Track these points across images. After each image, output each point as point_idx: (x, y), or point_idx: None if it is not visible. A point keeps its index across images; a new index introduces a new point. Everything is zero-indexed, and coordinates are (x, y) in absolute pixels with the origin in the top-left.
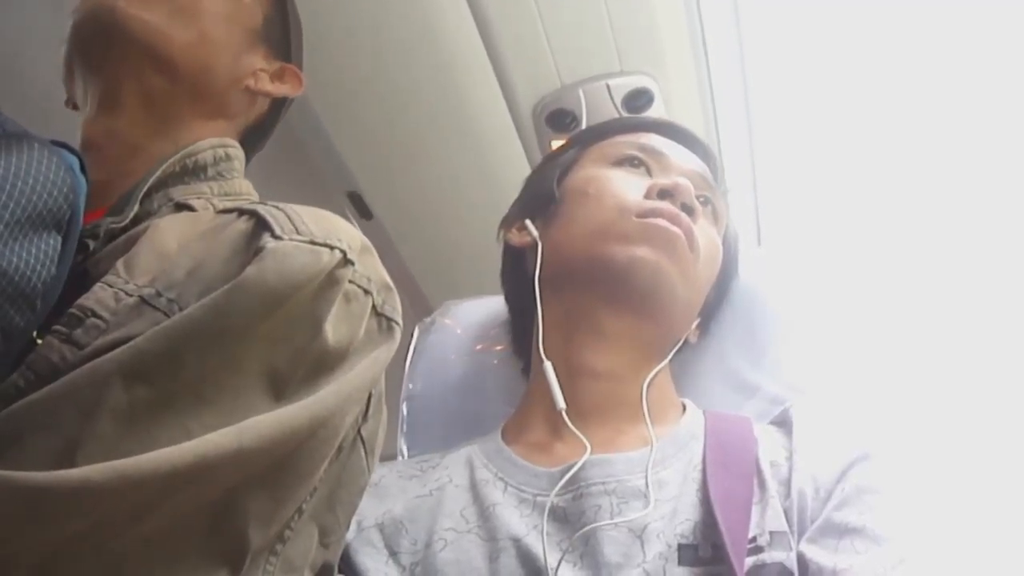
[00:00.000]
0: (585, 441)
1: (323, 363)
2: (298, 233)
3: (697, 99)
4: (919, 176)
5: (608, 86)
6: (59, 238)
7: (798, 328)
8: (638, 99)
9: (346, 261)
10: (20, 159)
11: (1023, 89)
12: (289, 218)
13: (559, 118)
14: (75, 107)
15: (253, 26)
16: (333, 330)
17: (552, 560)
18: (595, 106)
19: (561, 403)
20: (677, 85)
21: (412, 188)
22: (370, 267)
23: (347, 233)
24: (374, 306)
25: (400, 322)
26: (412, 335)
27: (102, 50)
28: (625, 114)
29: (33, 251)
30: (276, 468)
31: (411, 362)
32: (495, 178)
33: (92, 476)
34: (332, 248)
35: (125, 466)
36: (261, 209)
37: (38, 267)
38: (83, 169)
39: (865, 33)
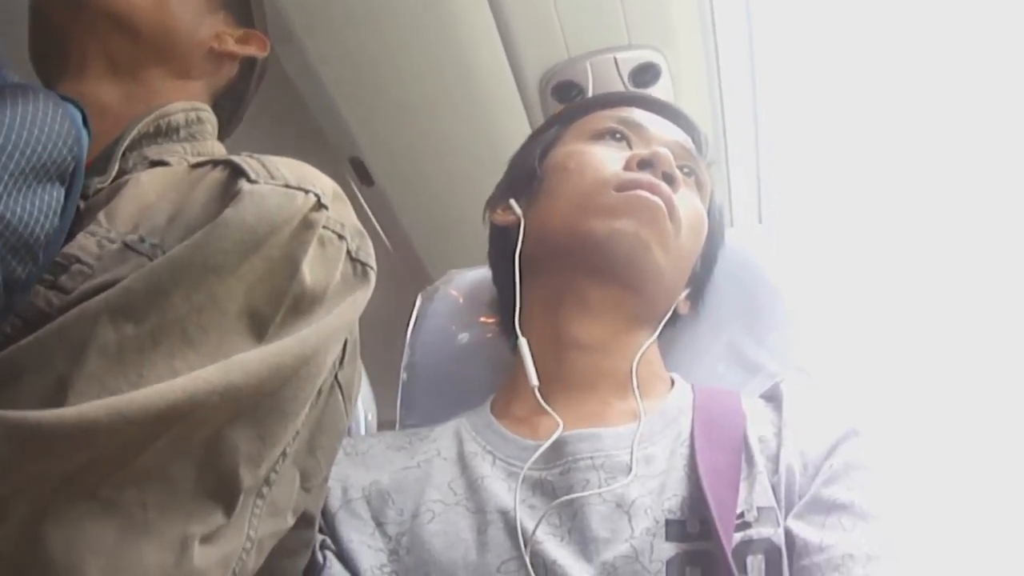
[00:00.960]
0: (558, 419)
1: (302, 305)
2: (272, 178)
3: (704, 75)
4: (925, 155)
5: (616, 59)
6: (62, 190)
7: (802, 306)
8: (645, 73)
9: (320, 205)
10: (27, 109)
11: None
12: (263, 165)
13: (565, 90)
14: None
15: None
16: (310, 272)
17: (540, 533)
18: (602, 79)
19: (534, 380)
20: (685, 60)
21: (415, 156)
22: (343, 213)
23: (320, 180)
24: (348, 251)
25: (374, 267)
26: (415, 303)
27: (64, 19)
28: (632, 88)
29: (37, 202)
30: (263, 407)
31: (413, 330)
32: (499, 148)
33: (87, 413)
34: (307, 192)
35: (119, 402)
36: (235, 158)
37: (41, 218)
38: (85, 122)
39: (873, 12)
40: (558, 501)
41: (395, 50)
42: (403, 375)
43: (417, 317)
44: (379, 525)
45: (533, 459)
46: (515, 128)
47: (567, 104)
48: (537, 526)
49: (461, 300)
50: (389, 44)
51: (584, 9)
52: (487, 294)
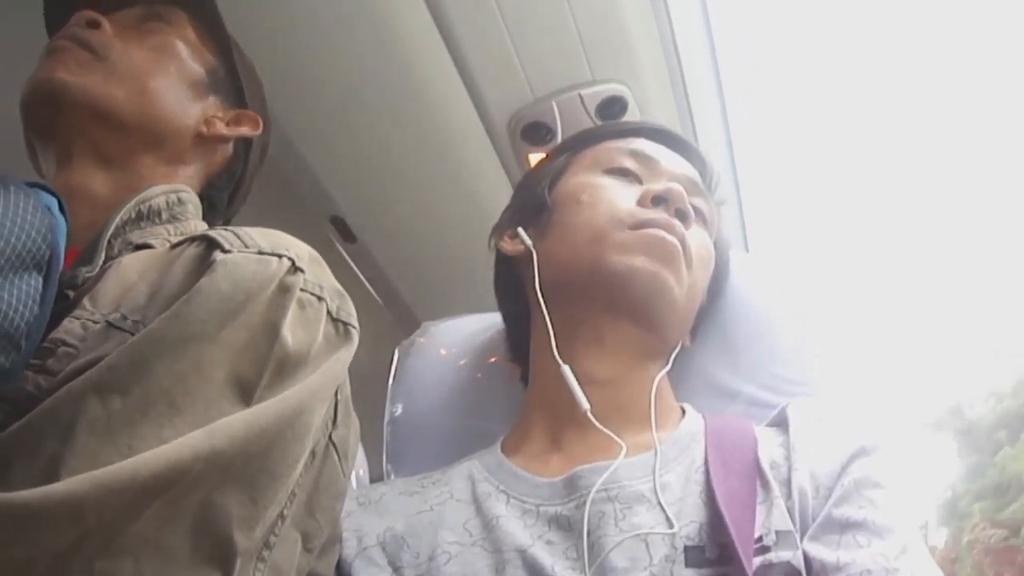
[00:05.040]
0: (620, 442)
1: (286, 368)
2: (246, 247)
3: (673, 104)
4: (899, 178)
5: (581, 96)
6: (40, 278)
7: (773, 329)
8: (612, 107)
9: (295, 269)
10: None
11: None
12: (238, 236)
13: (534, 131)
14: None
15: (195, 79)
16: (292, 335)
17: (559, 568)
18: (569, 117)
19: (585, 404)
20: (651, 91)
21: (394, 209)
22: (321, 275)
23: (295, 245)
24: (329, 312)
25: (356, 326)
26: (393, 357)
27: (50, 117)
28: (600, 123)
29: (15, 292)
30: (251, 469)
31: (392, 385)
32: (475, 195)
33: (72, 488)
34: (280, 257)
35: (104, 475)
36: (211, 232)
37: (20, 307)
38: (62, 208)
39: (840, 33)
40: (607, 553)
41: (364, 109)
42: (386, 431)
43: (396, 372)
44: (396, 570)
45: (595, 488)
46: (489, 174)
47: (538, 145)
48: (594, 572)
49: (442, 351)
50: (357, 104)
51: (543, 49)
52: (465, 342)
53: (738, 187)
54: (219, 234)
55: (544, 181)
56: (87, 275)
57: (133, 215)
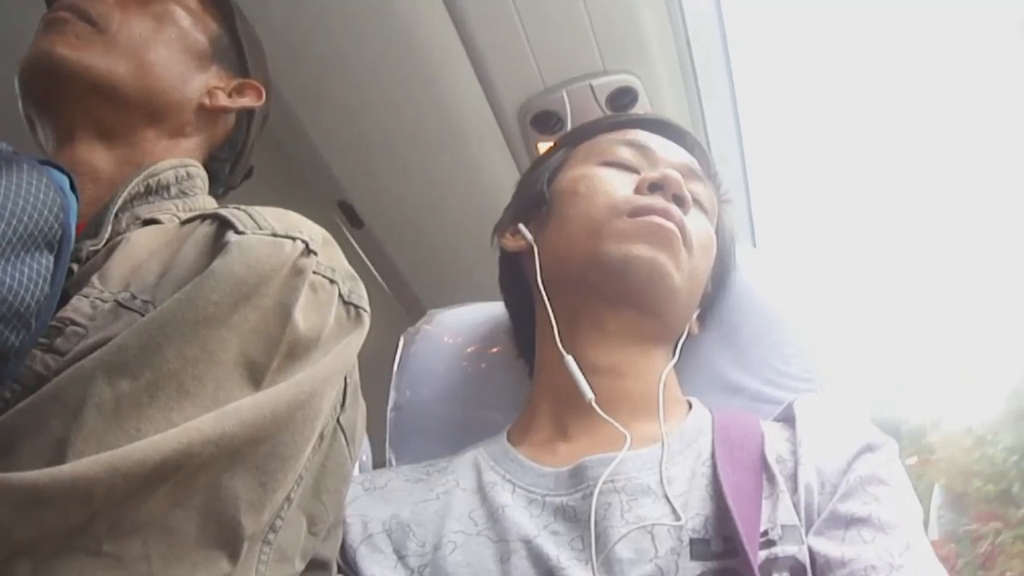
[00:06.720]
0: (624, 431)
1: (297, 351)
2: (260, 228)
3: (683, 96)
4: (915, 169)
5: (591, 86)
6: (51, 257)
7: (779, 325)
8: (622, 98)
9: (309, 251)
10: (10, 181)
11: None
12: (251, 216)
13: (544, 120)
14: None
15: (198, 48)
16: (303, 319)
17: (564, 559)
18: (579, 107)
19: (590, 394)
20: (662, 83)
21: (402, 195)
22: (333, 258)
23: (308, 227)
24: (341, 295)
25: (368, 309)
26: (398, 344)
27: (49, 93)
28: (610, 114)
29: (26, 271)
30: (261, 453)
31: (397, 371)
32: (484, 182)
33: (82, 469)
34: (294, 239)
35: (113, 457)
36: (223, 211)
37: (31, 286)
38: (73, 187)
39: (855, 25)
40: (617, 541)
41: (374, 94)
42: (390, 416)
43: (400, 359)
44: (401, 558)
45: (601, 480)
46: (499, 162)
47: (547, 134)
48: (598, 566)
49: (446, 338)
50: (367, 89)
51: (556, 39)
52: (469, 330)
53: (747, 180)
54: (232, 213)
55: (543, 176)
56: (92, 248)
57: (141, 189)
